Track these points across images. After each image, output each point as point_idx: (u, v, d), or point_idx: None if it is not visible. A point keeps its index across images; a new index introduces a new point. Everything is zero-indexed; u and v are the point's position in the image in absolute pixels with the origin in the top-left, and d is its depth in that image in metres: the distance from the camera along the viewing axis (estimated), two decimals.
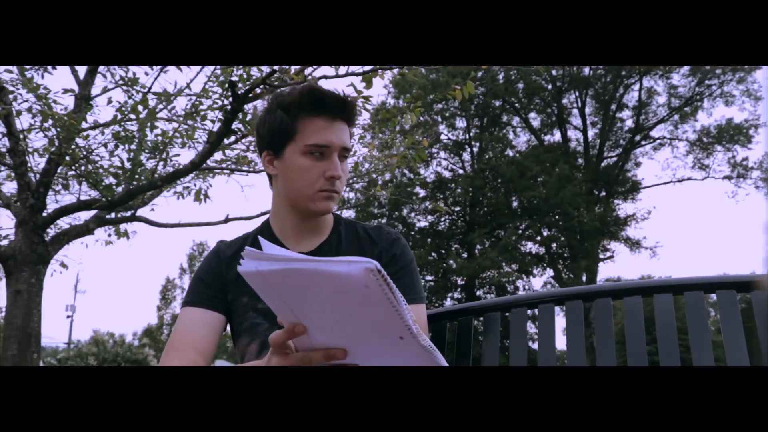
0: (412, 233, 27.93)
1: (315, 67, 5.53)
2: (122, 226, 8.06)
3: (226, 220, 8.20)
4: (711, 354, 1.56)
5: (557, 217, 25.77)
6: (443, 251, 27.85)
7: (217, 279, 1.47)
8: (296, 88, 1.41)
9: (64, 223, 7.55)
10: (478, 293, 27.17)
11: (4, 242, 7.00)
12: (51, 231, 7.23)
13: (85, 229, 7.21)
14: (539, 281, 28.49)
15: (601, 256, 27.17)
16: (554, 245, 27.32)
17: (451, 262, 26.98)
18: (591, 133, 28.94)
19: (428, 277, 27.76)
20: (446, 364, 1.00)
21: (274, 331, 1.02)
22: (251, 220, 8.19)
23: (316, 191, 1.40)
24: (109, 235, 8.15)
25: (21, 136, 6.22)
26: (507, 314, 1.84)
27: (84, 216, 7.47)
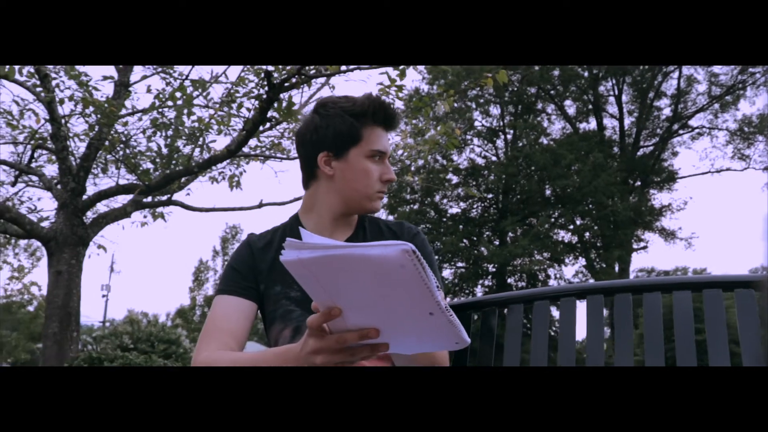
0: (444, 219, 27.89)
1: None
2: (158, 209, 8.25)
3: (260, 206, 8.35)
4: (727, 352, 1.59)
5: (591, 206, 25.48)
6: (475, 238, 27.75)
7: (249, 269, 1.56)
8: (361, 98, 1.57)
9: (101, 206, 7.77)
10: (509, 281, 27.06)
11: (46, 224, 7.23)
12: (90, 214, 7.44)
13: (122, 213, 7.41)
14: (571, 270, 28.25)
15: (635, 246, 26.82)
16: (587, 234, 27.05)
17: (483, 249, 26.87)
18: (627, 121, 28.49)
19: (459, 264, 27.72)
20: (468, 339, 1.08)
21: (306, 317, 1.10)
22: (284, 205, 8.33)
23: (375, 191, 1.56)
24: (145, 216, 8.34)
25: (63, 121, 6.41)
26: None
27: (122, 199, 7.69)
